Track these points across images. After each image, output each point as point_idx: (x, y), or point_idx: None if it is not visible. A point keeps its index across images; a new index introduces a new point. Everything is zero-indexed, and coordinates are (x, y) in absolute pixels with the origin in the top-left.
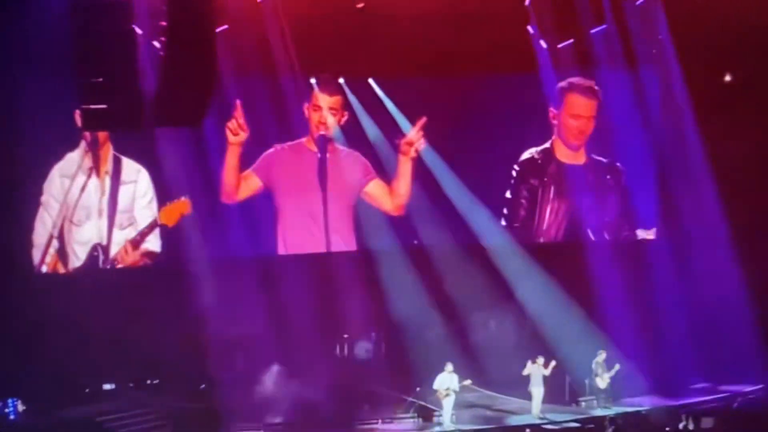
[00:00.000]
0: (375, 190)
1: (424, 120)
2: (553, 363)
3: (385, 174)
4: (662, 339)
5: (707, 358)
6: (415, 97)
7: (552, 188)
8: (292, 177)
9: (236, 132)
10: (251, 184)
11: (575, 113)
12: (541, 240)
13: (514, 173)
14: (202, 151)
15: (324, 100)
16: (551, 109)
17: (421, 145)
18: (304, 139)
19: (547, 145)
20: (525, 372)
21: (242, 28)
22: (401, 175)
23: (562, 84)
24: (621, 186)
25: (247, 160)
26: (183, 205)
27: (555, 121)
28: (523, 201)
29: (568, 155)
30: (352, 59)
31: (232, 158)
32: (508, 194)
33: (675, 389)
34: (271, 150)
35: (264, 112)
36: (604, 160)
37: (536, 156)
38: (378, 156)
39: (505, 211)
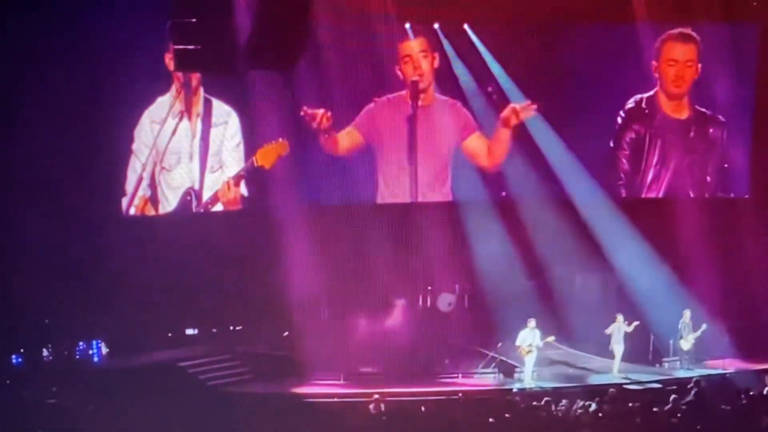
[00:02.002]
0: (474, 145)
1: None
2: (636, 322)
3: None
4: (750, 302)
5: None
6: (510, 45)
7: (657, 140)
8: (392, 130)
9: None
10: (354, 139)
11: (671, 58)
12: (643, 194)
13: (619, 120)
14: (293, 95)
15: (409, 47)
16: (653, 62)
17: (529, 116)
18: (404, 92)
19: (651, 93)
20: (608, 331)
21: None
22: (500, 141)
23: (661, 37)
24: (722, 141)
25: (342, 118)
26: (281, 146)
27: (656, 74)
28: (626, 151)
29: (672, 107)
30: (448, 4)
31: (322, 138)
32: (611, 143)
33: (761, 353)
34: (371, 105)
35: (359, 62)
36: (708, 112)
37: (643, 105)
38: (469, 104)
39: (606, 161)
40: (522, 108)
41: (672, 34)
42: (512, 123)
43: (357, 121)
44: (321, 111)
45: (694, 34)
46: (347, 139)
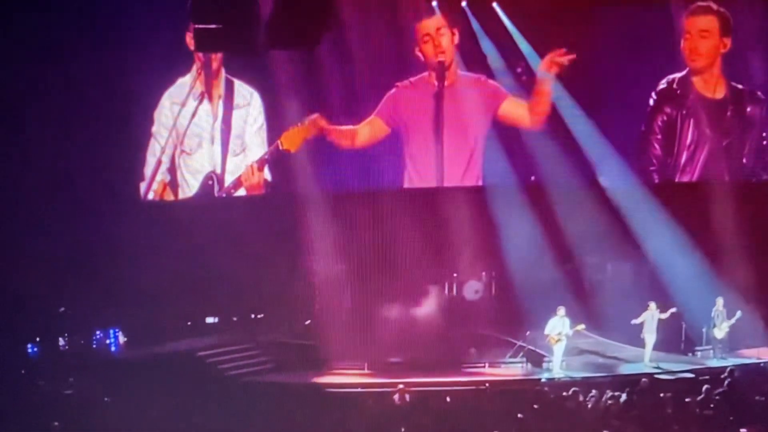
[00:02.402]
0: (512, 108)
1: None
2: (673, 309)
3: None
4: None
5: None
6: (540, 24)
7: (690, 121)
8: (417, 114)
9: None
10: (376, 128)
11: (686, 31)
12: (676, 178)
13: (651, 102)
14: (317, 76)
15: (427, 26)
16: (682, 41)
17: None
18: (426, 74)
19: (683, 73)
20: (639, 319)
21: None
22: (541, 95)
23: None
24: (761, 119)
25: (365, 98)
26: (306, 129)
27: (685, 50)
28: (658, 135)
29: (706, 86)
30: None
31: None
32: (642, 127)
33: None
34: (392, 90)
35: (382, 42)
36: (745, 88)
37: (675, 86)
38: (495, 76)
39: (639, 145)
40: (558, 55)
41: (691, 8)
42: (551, 73)
43: (379, 109)
44: (309, 118)
45: (713, 6)
46: (368, 129)
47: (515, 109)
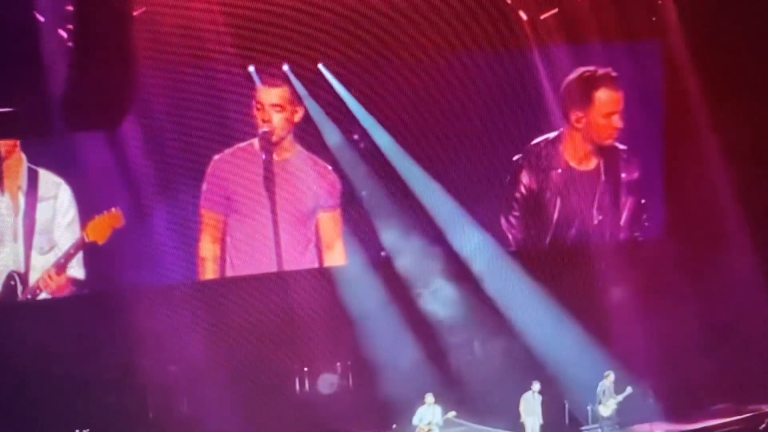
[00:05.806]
0: (329, 225)
1: None
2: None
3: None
4: (676, 355)
5: (728, 374)
6: (376, 84)
7: (557, 199)
8: (245, 188)
9: None
10: (215, 231)
11: (609, 111)
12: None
13: (508, 178)
14: (130, 159)
15: (265, 94)
16: (576, 112)
17: None
18: (254, 140)
19: (552, 136)
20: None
21: (164, 9)
22: None
23: (582, 79)
24: (636, 181)
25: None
26: (114, 217)
27: (579, 125)
28: (516, 212)
29: (579, 157)
30: (298, 41)
31: None
32: (500, 201)
33: (692, 412)
34: (209, 168)
35: (197, 113)
36: (620, 146)
37: (541, 154)
38: (335, 158)
39: (497, 217)
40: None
41: (602, 79)
42: None
43: (204, 200)
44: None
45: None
46: (209, 243)
47: (332, 226)
